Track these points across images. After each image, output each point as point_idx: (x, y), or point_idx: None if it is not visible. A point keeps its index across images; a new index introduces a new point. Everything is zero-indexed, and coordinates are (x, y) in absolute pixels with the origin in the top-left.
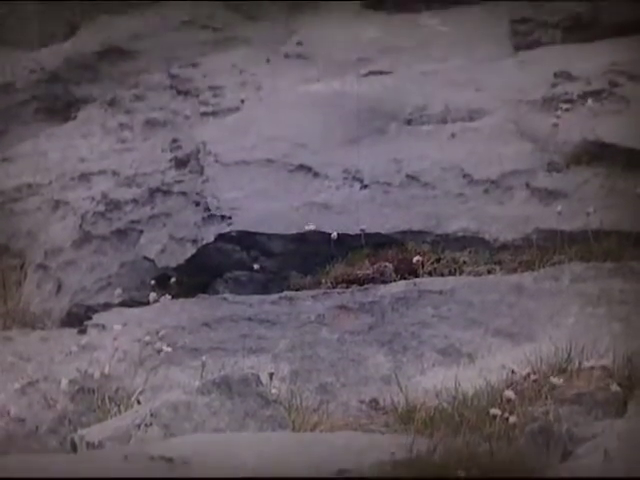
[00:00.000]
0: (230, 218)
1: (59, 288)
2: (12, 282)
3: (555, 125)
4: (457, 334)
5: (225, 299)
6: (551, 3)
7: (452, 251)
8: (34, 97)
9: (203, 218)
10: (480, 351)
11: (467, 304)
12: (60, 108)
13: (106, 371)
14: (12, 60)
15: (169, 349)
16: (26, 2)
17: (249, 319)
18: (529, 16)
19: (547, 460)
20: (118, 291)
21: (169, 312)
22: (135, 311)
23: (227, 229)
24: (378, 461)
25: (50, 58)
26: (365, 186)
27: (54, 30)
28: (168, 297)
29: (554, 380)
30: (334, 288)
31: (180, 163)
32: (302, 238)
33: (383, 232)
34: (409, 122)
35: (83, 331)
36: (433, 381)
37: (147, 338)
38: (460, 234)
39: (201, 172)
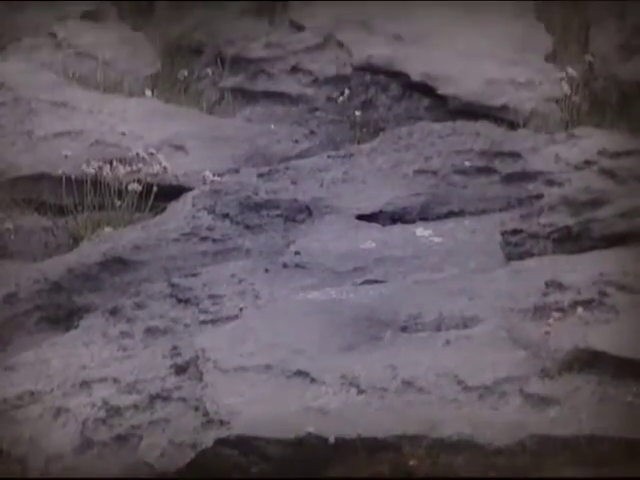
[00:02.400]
0: (229, 423)
1: None
2: None
3: (547, 333)
4: None
5: None
6: (542, 217)
7: (447, 455)
8: (37, 307)
9: (202, 423)
10: None
11: None
12: (62, 317)
13: None
14: (16, 271)
15: None
16: (31, 217)
17: None
18: (520, 228)
19: None
20: None
21: None
22: None
23: (226, 433)
24: None
25: (53, 268)
26: (362, 391)
27: (59, 242)
28: None
29: None
30: None
31: (180, 370)
32: (300, 442)
33: (379, 436)
34: (404, 329)
35: None
36: None
37: None
38: (455, 438)
39: (200, 378)
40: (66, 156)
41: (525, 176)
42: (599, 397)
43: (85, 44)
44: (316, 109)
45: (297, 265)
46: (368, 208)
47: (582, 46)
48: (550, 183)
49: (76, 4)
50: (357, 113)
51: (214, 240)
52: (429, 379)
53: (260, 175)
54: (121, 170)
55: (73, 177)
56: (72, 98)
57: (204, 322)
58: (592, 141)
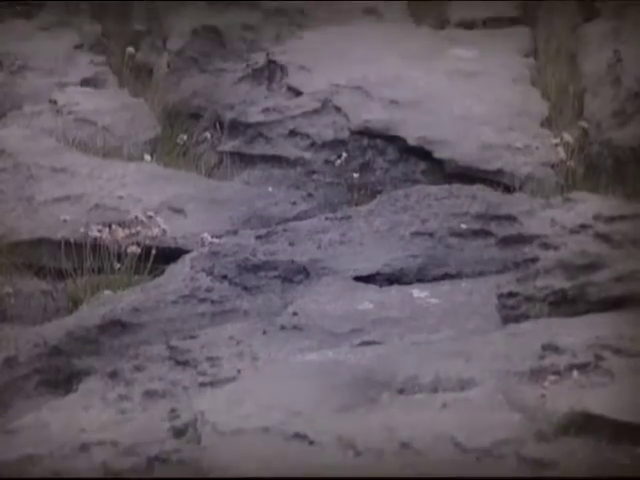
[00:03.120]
0: None
1: None
2: None
3: (543, 396)
4: None
5: None
6: (538, 280)
7: None
8: (37, 370)
9: None
10: None
11: None
12: (62, 380)
13: None
14: (16, 335)
15: None
16: (30, 281)
17: None
18: (516, 290)
19: None
20: None
21: None
22: None
23: None
24: None
25: (53, 332)
26: (359, 453)
27: (58, 306)
28: None
29: None
30: None
31: (178, 432)
32: None
33: None
34: (401, 391)
35: None
36: None
37: None
38: None
39: (199, 441)
40: (65, 220)
41: (521, 239)
42: (595, 460)
43: (85, 110)
44: (314, 172)
45: (295, 327)
46: (365, 270)
47: (577, 112)
48: (546, 246)
49: (76, 71)
50: (354, 176)
51: (212, 302)
52: (426, 441)
53: (258, 237)
54: (120, 233)
55: (72, 241)
56: (72, 163)
57: (203, 384)
58: (587, 205)
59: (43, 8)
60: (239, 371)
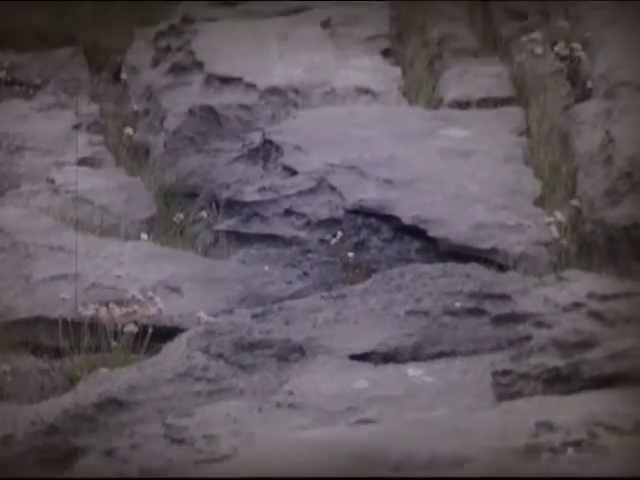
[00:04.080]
0: None
1: None
2: None
3: (538, 473)
4: None
5: None
6: (532, 358)
7: None
8: (34, 448)
9: None
10: None
11: None
12: (59, 458)
13: None
14: (13, 413)
15: None
16: (28, 359)
17: None
18: (510, 368)
19: None
20: None
21: None
22: None
23: None
24: None
25: (50, 410)
26: None
27: (55, 384)
28: None
29: None
30: None
31: None
32: None
33: None
34: (397, 469)
35: None
36: None
37: None
38: None
39: None
40: (63, 299)
41: (515, 318)
42: None
43: (82, 189)
44: (309, 251)
45: (290, 405)
46: (360, 348)
47: (570, 191)
48: (540, 325)
49: (74, 151)
50: (349, 255)
51: (208, 380)
52: None
53: (254, 316)
54: (117, 312)
55: (70, 319)
56: (69, 242)
57: (198, 462)
58: (581, 284)
59: (42, 89)
60: (235, 449)
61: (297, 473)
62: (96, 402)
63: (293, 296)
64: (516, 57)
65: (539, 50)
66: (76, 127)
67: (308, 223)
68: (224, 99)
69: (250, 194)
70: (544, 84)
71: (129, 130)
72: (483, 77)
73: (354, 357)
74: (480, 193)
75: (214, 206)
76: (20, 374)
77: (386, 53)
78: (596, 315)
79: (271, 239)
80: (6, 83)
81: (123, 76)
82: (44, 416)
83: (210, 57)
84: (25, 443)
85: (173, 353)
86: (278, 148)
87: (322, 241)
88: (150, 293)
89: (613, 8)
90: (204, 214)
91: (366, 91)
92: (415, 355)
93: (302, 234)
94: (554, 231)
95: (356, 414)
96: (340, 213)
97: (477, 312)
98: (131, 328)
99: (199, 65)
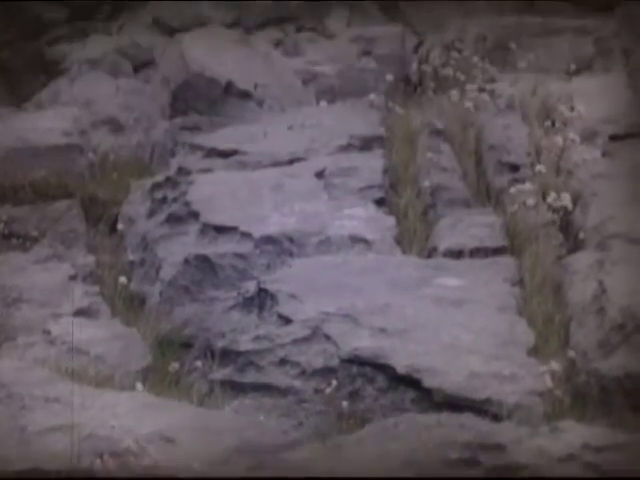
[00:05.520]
0: None
1: None
2: None
3: None
4: None
5: None
6: None
7: None
8: None
9: None
10: None
11: None
12: None
13: None
14: None
15: None
16: None
17: None
18: None
19: None
20: None
21: None
22: None
23: None
24: None
25: None
26: None
27: None
28: None
29: None
30: None
31: None
32: None
33: None
34: None
35: None
36: None
37: None
38: None
39: None
40: (58, 451)
41: (509, 468)
42: None
43: (78, 340)
44: (304, 401)
45: None
46: None
47: (563, 341)
48: (535, 476)
49: (70, 302)
50: (344, 404)
51: None
52: None
53: (249, 467)
54: (112, 463)
55: (65, 471)
56: (64, 393)
57: None
58: (575, 435)
59: (39, 241)
60: None
61: None
62: None
63: (288, 446)
64: (509, 207)
65: (531, 201)
66: (72, 278)
67: (303, 372)
68: (219, 248)
69: (245, 343)
70: (537, 234)
71: (124, 280)
72: (476, 227)
73: None
74: (474, 343)
75: (209, 355)
76: None
77: (380, 203)
78: (591, 466)
79: (266, 389)
80: (3, 236)
81: (120, 227)
82: None
83: (205, 207)
84: None
85: None
86: (273, 296)
87: (317, 390)
88: (145, 444)
89: (603, 163)
90: (199, 363)
91: (360, 240)
92: None
93: (297, 383)
94: (548, 381)
95: None
96: (335, 362)
97: (472, 462)
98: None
99: (195, 215)
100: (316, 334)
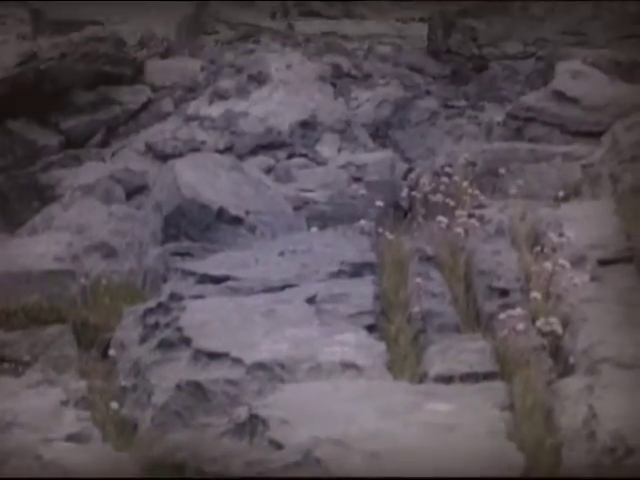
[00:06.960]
0: None
1: None
2: None
3: None
4: None
5: None
6: None
7: None
8: None
9: None
10: None
11: None
12: None
13: None
14: None
15: None
16: None
17: None
18: None
19: None
20: None
21: None
22: None
23: None
24: None
25: None
26: None
27: None
28: None
29: None
30: None
31: None
32: None
33: None
34: None
35: None
36: None
37: None
38: None
39: None
40: None
41: None
42: None
43: (69, 465)
44: None
45: None
46: None
47: (554, 465)
48: None
49: (61, 427)
50: None
51: None
52: None
53: None
54: None
55: None
56: None
57: None
58: None
59: (31, 366)
60: None
61: None
62: None
63: None
64: (499, 333)
65: (521, 326)
66: (64, 403)
67: None
68: (211, 374)
69: (236, 468)
70: (527, 359)
71: (115, 405)
72: (466, 352)
73: None
74: (464, 468)
75: None
76: None
77: (371, 329)
78: None
79: None
80: None
81: (111, 352)
82: None
83: (197, 333)
84: None
85: None
86: (264, 422)
87: None
88: None
89: (592, 287)
90: None
91: (351, 366)
92: None
93: None
94: None
95: None
96: None
97: None
98: None
99: (187, 341)
100: (307, 458)
